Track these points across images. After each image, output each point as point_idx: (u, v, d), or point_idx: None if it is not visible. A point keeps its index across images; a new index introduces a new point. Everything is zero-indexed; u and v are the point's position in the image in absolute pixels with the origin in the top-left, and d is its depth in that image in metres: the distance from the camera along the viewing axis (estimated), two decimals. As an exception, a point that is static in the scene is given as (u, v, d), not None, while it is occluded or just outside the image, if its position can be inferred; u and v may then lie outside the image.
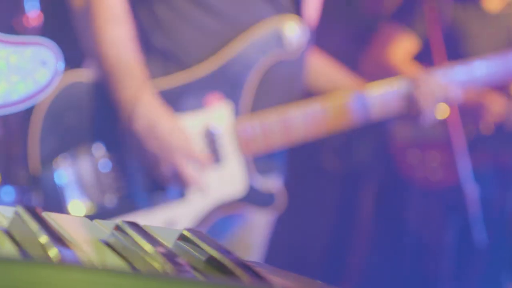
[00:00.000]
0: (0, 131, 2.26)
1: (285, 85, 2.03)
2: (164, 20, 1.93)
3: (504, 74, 2.33)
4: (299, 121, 2.01)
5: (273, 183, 2.04)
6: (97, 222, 0.74)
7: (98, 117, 1.90)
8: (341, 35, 3.60)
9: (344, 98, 2.09)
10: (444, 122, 2.62)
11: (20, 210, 0.65)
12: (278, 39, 1.97)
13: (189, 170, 1.85)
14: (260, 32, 1.96)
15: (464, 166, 2.58)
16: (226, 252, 0.60)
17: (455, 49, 2.66)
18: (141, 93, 1.82)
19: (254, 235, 2.08)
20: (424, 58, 2.65)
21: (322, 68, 2.22)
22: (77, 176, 1.87)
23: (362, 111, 2.09)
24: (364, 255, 3.47)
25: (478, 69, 2.28)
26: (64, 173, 1.86)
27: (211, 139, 1.95)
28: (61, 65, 1.11)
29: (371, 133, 3.34)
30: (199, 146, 1.90)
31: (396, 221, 2.97)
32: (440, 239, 2.79)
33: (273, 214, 2.08)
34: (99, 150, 1.89)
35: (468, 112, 2.63)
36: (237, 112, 1.96)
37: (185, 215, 1.91)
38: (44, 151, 1.86)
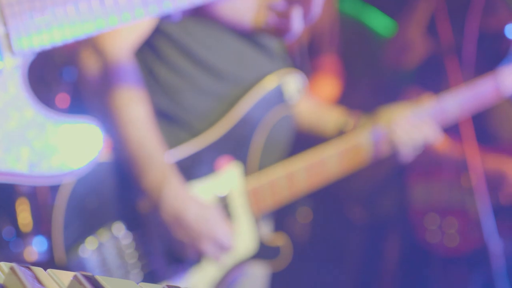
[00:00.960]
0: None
1: (289, 138, 2.08)
2: (167, 84, 1.92)
3: (474, 103, 2.27)
4: (304, 173, 2.03)
5: (279, 236, 2.06)
6: (143, 285, 0.76)
7: (117, 196, 1.90)
8: (364, 91, 3.60)
9: (359, 136, 2.10)
10: (461, 187, 2.71)
11: (79, 276, 0.69)
12: (280, 95, 2.00)
13: (213, 253, 1.88)
14: (263, 90, 1.98)
15: (488, 223, 2.57)
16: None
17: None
18: (165, 181, 1.81)
19: (256, 286, 2.12)
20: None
21: (311, 106, 2.24)
22: (102, 259, 1.86)
23: (375, 148, 2.10)
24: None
25: (448, 103, 2.22)
26: (89, 258, 1.85)
27: (223, 203, 1.97)
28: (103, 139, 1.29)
29: (394, 189, 3.30)
30: (223, 229, 1.90)
31: (419, 279, 2.97)
32: None
33: (275, 267, 2.10)
34: (120, 230, 1.89)
35: (489, 180, 2.64)
36: (246, 171, 1.99)
37: (203, 281, 1.94)
38: (68, 239, 1.85)
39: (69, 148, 1.26)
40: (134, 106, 1.81)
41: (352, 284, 3.83)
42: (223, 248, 1.89)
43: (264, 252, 2.04)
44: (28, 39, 1.22)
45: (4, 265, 0.71)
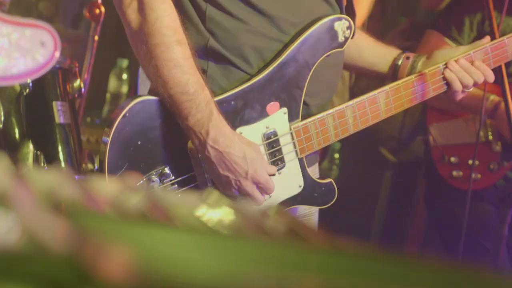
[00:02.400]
0: None
1: (332, 74, 2.07)
2: (219, 25, 1.92)
3: None
4: (354, 113, 2.04)
5: (325, 179, 2.08)
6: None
7: (163, 137, 1.89)
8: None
9: (406, 79, 2.12)
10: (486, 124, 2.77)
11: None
12: (332, 36, 1.99)
13: (256, 194, 1.89)
14: (313, 31, 1.97)
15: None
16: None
17: None
18: (211, 119, 1.82)
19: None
20: None
21: (365, 42, 2.26)
22: None
23: (422, 87, 2.12)
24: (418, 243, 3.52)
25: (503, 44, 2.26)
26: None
27: (271, 146, 1.97)
28: (59, 49, 1.20)
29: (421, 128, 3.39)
30: (272, 170, 1.92)
31: (449, 220, 3.02)
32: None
33: (324, 204, 2.12)
34: (167, 173, 1.89)
35: None
36: (294, 113, 1.99)
37: None
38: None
39: (16, 51, 1.19)
40: (177, 46, 1.81)
41: (385, 216, 3.99)
42: (265, 190, 1.91)
43: (313, 189, 2.04)
44: None
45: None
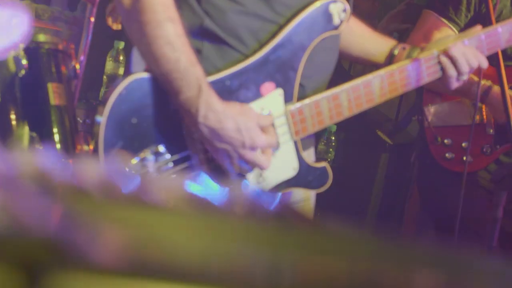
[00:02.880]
0: None
1: (328, 58, 2.06)
2: (214, 5, 1.91)
3: None
4: (348, 96, 2.03)
5: (320, 163, 2.07)
6: None
7: (157, 115, 1.88)
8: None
9: (400, 63, 2.12)
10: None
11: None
12: (327, 18, 1.98)
13: (259, 158, 1.88)
14: (308, 13, 1.96)
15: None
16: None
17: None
18: (201, 94, 1.81)
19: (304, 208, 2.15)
20: None
21: (360, 29, 2.27)
22: None
23: (416, 73, 2.12)
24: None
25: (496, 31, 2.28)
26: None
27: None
28: (30, 27, 1.18)
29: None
30: (264, 137, 1.90)
31: (442, 202, 3.02)
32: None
33: (320, 187, 2.11)
34: (162, 151, 1.88)
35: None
36: (289, 95, 1.98)
37: None
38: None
39: None
40: (169, 24, 1.80)
41: (381, 198, 4.02)
42: (268, 148, 1.90)
43: (308, 172, 2.04)
44: None
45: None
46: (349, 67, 4.39)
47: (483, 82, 2.86)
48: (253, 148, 1.87)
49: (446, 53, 2.12)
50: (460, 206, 2.57)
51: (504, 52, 2.87)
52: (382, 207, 4.21)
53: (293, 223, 0.53)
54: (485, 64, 2.17)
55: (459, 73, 2.13)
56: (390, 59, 2.21)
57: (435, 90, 2.99)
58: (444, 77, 2.15)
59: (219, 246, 0.42)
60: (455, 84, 2.17)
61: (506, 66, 2.87)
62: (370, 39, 2.27)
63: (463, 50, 2.14)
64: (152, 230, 0.43)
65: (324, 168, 2.06)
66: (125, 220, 0.43)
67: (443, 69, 2.13)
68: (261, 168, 1.90)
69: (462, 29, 2.78)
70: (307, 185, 2.06)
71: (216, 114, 1.82)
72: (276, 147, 1.94)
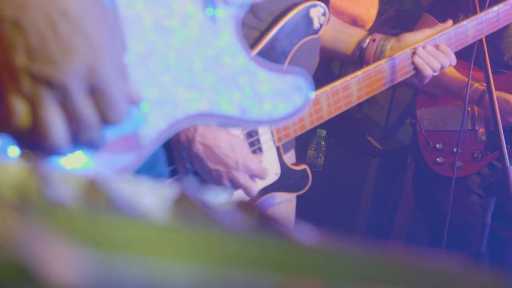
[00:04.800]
0: None
1: (309, 61, 2.06)
2: None
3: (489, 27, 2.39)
4: (328, 100, 2.05)
5: (300, 165, 2.08)
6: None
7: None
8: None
9: (377, 63, 2.15)
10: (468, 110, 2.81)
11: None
12: (307, 23, 1.98)
13: (250, 184, 1.87)
14: (289, 19, 1.96)
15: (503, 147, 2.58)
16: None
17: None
18: None
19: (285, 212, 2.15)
20: None
21: (332, 24, 2.26)
22: None
23: (391, 72, 2.16)
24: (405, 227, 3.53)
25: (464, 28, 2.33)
26: None
27: (250, 135, 1.97)
28: (311, 93, 1.34)
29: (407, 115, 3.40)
30: (257, 160, 1.90)
31: (432, 206, 3.04)
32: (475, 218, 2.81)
33: (300, 191, 2.13)
34: None
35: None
36: None
37: None
38: None
39: (278, 96, 1.29)
40: None
41: (370, 204, 4.01)
42: (260, 176, 1.90)
43: (289, 176, 2.05)
44: None
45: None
46: (339, 71, 4.38)
47: (477, 84, 2.88)
48: (246, 170, 1.85)
49: (419, 53, 2.18)
50: (449, 211, 2.58)
51: (500, 59, 2.89)
52: (373, 211, 4.20)
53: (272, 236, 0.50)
54: (454, 61, 2.24)
55: (433, 70, 2.20)
56: (360, 52, 2.24)
57: (429, 89, 3.01)
58: (419, 75, 2.21)
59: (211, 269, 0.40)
60: (427, 80, 2.23)
61: (502, 73, 2.89)
62: (339, 32, 2.28)
63: (435, 50, 2.21)
64: (128, 247, 0.41)
65: (304, 171, 2.07)
66: (94, 234, 0.41)
67: (416, 69, 2.19)
68: (249, 194, 1.88)
69: None
70: (288, 189, 2.06)
71: (213, 132, 1.82)
72: (264, 178, 1.91)
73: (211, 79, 1.23)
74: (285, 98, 1.30)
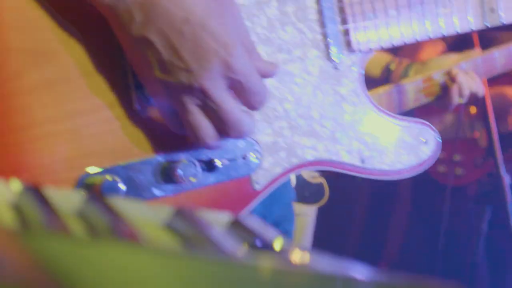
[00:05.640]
0: None
1: None
2: None
3: None
4: None
5: (317, 178, 2.08)
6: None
7: None
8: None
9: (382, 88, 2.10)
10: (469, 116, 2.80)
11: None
12: None
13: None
14: None
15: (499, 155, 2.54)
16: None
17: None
18: None
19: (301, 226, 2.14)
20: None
21: None
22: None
23: (398, 100, 2.10)
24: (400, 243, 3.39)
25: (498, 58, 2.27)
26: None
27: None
28: (439, 144, 1.30)
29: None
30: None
31: (430, 215, 2.98)
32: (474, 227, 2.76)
33: (318, 203, 2.13)
34: None
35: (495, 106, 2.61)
36: None
37: None
38: None
39: (400, 147, 1.25)
40: None
41: (369, 212, 3.83)
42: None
43: (304, 188, 2.05)
44: (366, 36, 1.21)
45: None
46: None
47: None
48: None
49: (451, 77, 2.11)
50: (446, 221, 2.54)
51: None
52: (368, 224, 3.98)
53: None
54: (481, 91, 2.18)
55: (461, 96, 2.14)
56: (388, 74, 2.21)
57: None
58: (447, 98, 2.14)
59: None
60: (455, 104, 2.17)
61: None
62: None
63: (465, 76, 2.14)
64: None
65: (320, 184, 2.06)
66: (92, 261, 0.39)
67: (445, 90, 2.13)
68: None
69: (454, 42, 2.68)
70: (303, 200, 2.05)
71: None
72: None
73: (330, 127, 1.20)
74: (410, 150, 1.25)
